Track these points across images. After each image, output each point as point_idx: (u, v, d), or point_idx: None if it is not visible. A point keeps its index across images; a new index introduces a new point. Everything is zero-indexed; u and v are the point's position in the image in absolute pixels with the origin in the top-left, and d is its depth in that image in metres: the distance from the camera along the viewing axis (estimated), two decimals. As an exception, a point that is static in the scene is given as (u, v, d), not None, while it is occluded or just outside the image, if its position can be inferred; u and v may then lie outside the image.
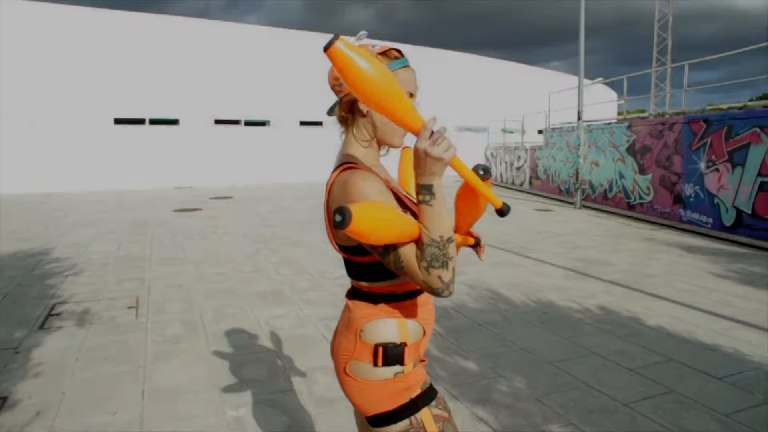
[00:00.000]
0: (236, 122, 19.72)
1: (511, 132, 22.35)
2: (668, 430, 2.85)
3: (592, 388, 3.35)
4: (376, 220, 1.11)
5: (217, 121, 19.39)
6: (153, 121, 18.41)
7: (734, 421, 2.95)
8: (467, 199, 1.47)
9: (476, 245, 1.58)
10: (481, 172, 1.35)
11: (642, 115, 13.93)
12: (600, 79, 21.95)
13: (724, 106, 9.77)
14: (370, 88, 1.09)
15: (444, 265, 1.21)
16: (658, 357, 3.85)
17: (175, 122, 18.72)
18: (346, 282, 5.60)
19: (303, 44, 20.41)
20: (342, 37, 1.07)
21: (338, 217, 1.06)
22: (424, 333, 1.46)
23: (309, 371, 3.58)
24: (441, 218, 1.21)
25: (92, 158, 17.29)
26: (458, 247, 1.48)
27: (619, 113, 20.72)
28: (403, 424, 1.37)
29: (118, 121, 17.85)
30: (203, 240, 8.33)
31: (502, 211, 1.37)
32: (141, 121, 18.23)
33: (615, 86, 28.72)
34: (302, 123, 20.62)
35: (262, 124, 20.26)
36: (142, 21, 18.16)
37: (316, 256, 7.07)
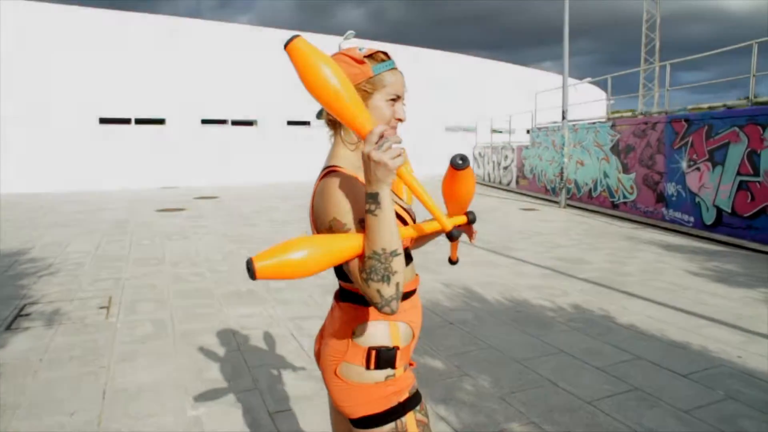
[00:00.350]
0: (223, 122, 19.65)
1: (501, 132, 22.41)
2: (628, 428, 2.85)
3: (556, 386, 3.35)
4: (287, 264, 1.13)
5: (204, 121, 19.30)
6: (139, 121, 18.29)
7: (694, 417, 2.95)
8: (448, 185, 1.44)
9: (469, 223, 1.50)
10: (460, 161, 1.33)
11: (625, 114, 14.00)
12: (588, 78, 22.05)
13: (705, 106, 9.82)
14: (322, 85, 1.12)
15: (384, 279, 1.18)
16: (627, 355, 3.85)
17: (161, 122, 18.62)
18: (323, 282, 5.55)
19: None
20: (301, 36, 1.12)
21: (248, 273, 1.12)
22: (414, 336, 1.46)
23: (274, 371, 3.56)
24: (385, 229, 1.17)
25: (77, 158, 17.16)
26: (456, 231, 1.32)
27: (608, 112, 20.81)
28: (389, 427, 1.37)
29: (103, 121, 17.72)
30: (183, 240, 8.29)
31: (451, 235, 1.29)
32: (127, 121, 18.11)
33: (605, 86, 28.88)
34: (290, 122, 20.58)
35: (250, 123, 20.20)
36: (127, 20, 18.04)
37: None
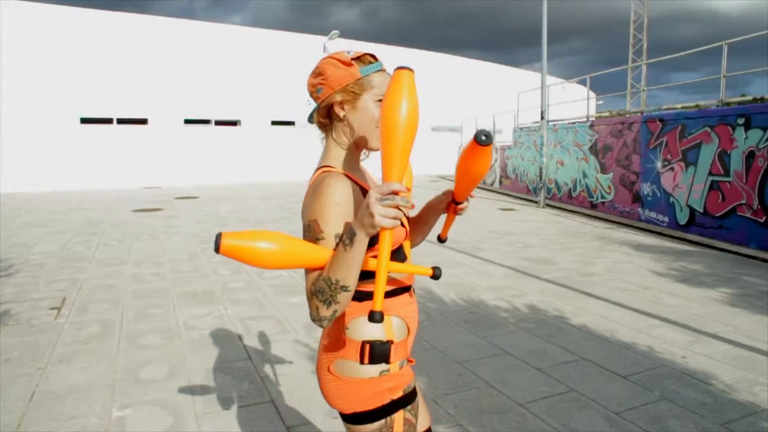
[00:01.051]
0: (206, 122, 19.55)
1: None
2: (554, 429, 2.82)
3: (492, 387, 3.32)
4: (251, 250, 1.18)
5: (187, 121, 19.20)
6: (121, 121, 18.17)
7: (623, 418, 2.93)
8: (466, 159, 1.40)
9: (433, 277, 1.41)
10: (483, 138, 1.30)
11: (604, 114, 14.02)
12: (575, 79, 22.07)
13: (679, 106, 9.84)
14: (393, 117, 1.15)
15: (326, 302, 1.21)
16: (571, 356, 3.83)
17: (143, 122, 18.51)
18: (282, 282, 5.49)
19: (276, 44, 20.31)
20: (414, 73, 1.19)
21: (214, 246, 1.17)
22: (409, 331, 1.45)
23: (210, 371, 3.51)
24: (345, 265, 1.19)
25: (57, 158, 17.02)
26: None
27: (598, 113, 20.84)
28: (378, 424, 1.38)
29: (84, 121, 17.60)
30: (151, 240, 8.22)
31: (372, 317, 1.18)
32: (108, 121, 18.00)
33: (595, 86, 28.90)
34: (274, 122, 20.50)
35: (233, 123, 20.11)
36: (108, 19, 17.92)
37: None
